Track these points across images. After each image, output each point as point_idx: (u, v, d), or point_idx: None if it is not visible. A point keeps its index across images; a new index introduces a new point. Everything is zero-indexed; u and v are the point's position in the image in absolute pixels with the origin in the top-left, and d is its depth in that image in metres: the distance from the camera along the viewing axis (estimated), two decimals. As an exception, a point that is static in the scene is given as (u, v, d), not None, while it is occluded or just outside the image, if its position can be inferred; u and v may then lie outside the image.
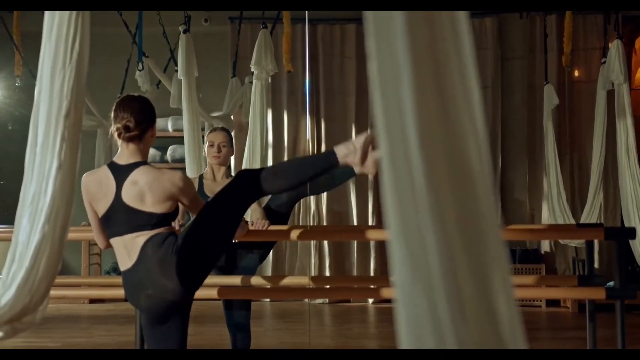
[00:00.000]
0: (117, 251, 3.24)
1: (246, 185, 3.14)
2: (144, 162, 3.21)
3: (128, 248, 3.17)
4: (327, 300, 8.91)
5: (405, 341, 1.36)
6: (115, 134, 3.20)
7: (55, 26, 2.57)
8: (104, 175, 3.20)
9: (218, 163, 4.43)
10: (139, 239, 3.14)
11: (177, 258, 3.08)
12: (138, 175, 3.14)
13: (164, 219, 3.17)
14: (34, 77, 2.74)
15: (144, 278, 3.13)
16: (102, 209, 3.21)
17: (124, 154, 3.22)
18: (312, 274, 8.77)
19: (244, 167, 6.46)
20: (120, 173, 3.17)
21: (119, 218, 3.17)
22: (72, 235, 4.07)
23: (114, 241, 3.23)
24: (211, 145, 4.41)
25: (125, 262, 3.19)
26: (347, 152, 3.09)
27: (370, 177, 9.20)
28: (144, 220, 3.14)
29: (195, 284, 3.21)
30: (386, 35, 1.41)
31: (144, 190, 3.13)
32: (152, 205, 3.13)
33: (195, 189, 3.30)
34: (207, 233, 3.15)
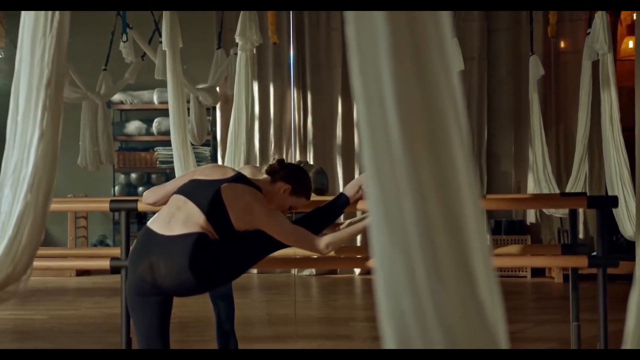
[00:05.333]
0: (165, 208, 3.32)
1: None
2: (258, 188, 3.38)
3: (177, 215, 3.21)
4: (314, 271, 8.95)
5: (383, 304, 1.38)
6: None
7: (35, -5, 2.55)
8: (230, 170, 3.43)
9: None
10: (190, 223, 3.17)
11: (204, 268, 3.15)
12: (247, 191, 3.30)
13: (227, 231, 3.25)
14: (17, 48, 2.72)
15: (161, 253, 3.14)
16: (199, 177, 3.36)
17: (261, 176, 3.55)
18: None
19: (229, 139, 6.44)
20: (241, 179, 3.36)
21: (204, 191, 3.27)
22: (58, 206, 4.08)
23: (175, 197, 3.32)
24: None
25: (162, 224, 3.22)
26: (355, 191, 3.60)
27: (357, 150, 9.21)
28: (218, 213, 3.22)
29: (201, 290, 3.29)
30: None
31: (239, 202, 3.26)
32: (233, 212, 3.24)
33: (265, 216, 3.31)
34: (232, 264, 3.27)
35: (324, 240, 3.37)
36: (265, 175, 3.54)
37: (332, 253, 3.53)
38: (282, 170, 3.50)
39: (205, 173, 3.38)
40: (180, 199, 3.29)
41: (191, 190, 3.30)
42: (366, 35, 1.39)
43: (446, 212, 1.40)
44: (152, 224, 3.26)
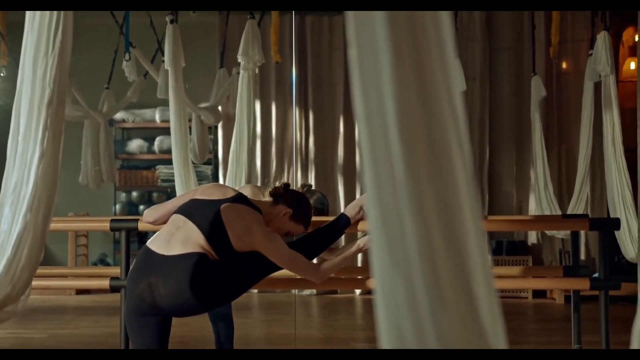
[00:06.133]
0: (165, 227, 3.30)
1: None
2: (257, 209, 3.37)
3: (176, 235, 3.19)
4: (314, 291, 8.91)
5: (383, 326, 1.37)
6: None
7: (38, 14, 2.55)
8: (231, 190, 3.42)
9: None
10: (190, 243, 3.16)
11: (204, 288, 3.14)
12: (248, 212, 3.29)
13: (226, 251, 3.23)
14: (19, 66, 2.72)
15: (161, 273, 3.13)
16: (200, 197, 3.35)
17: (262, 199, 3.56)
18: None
19: (231, 158, 6.43)
20: (241, 200, 3.35)
21: (203, 211, 3.25)
22: (58, 225, 4.06)
23: (175, 217, 3.31)
24: None
25: (161, 244, 3.21)
26: (356, 211, 3.53)
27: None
28: (218, 233, 3.20)
29: (201, 310, 3.29)
30: (367, 22, 1.40)
31: (238, 222, 3.25)
32: (232, 232, 3.23)
33: (269, 243, 3.30)
34: (232, 285, 3.26)
35: (320, 268, 3.37)
36: (268, 197, 3.53)
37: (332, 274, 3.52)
38: (286, 195, 3.50)
39: (206, 193, 3.37)
40: (180, 218, 3.28)
41: (191, 210, 3.29)
42: (368, 55, 1.38)
43: (447, 233, 1.39)
44: (152, 243, 3.25)
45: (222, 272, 3.20)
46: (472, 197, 1.42)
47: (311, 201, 3.70)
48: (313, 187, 4.69)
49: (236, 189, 3.57)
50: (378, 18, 1.37)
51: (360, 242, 3.54)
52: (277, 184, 3.54)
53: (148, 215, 3.56)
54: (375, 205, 1.39)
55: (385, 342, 1.38)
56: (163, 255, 3.16)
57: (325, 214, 4.33)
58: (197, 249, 3.16)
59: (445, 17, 1.43)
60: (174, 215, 3.33)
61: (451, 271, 1.37)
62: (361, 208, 3.57)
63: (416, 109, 1.39)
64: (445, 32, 1.43)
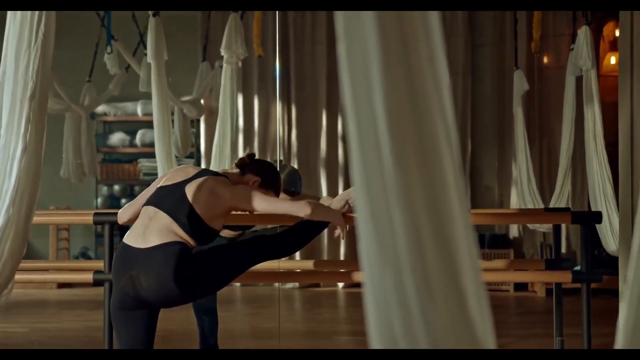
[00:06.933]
0: (138, 221, 3.29)
1: (261, 249, 3.40)
2: (225, 176, 3.36)
3: (150, 226, 3.17)
4: (297, 284, 8.92)
5: (373, 322, 1.37)
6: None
7: (21, 6, 2.54)
8: (192, 168, 3.41)
9: None
10: (165, 232, 3.14)
11: (185, 281, 3.13)
12: (210, 179, 3.28)
13: (200, 231, 3.21)
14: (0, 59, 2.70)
15: (141, 266, 3.12)
16: (165, 184, 3.33)
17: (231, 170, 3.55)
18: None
19: (214, 151, 6.43)
20: (207, 173, 3.34)
21: (170, 197, 3.24)
22: (40, 219, 4.05)
23: (145, 208, 3.28)
24: None
25: (137, 238, 3.19)
26: (342, 205, 3.50)
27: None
28: (187, 214, 3.18)
29: (184, 301, 3.30)
30: (356, 19, 1.40)
31: (203, 191, 3.23)
32: (200, 206, 3.20)
33: (244, 194, 3.30)
34: (214, 275, 3.25)
35: (303, 201, 3.34)
36: (235, 170, 3.52)
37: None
38: (252, 164, 3.49)
39: (171, 178, 3.35)
40: (150, 209, 3.26)
41: (159, 199, 3.28)
42: (357, 51, 1.38)
43: (436, 228, 1.39)
44: (127, 238, 3.23)
45: (203, 262, 3.19)
46: (460, 192, 1.43)
47: (282, 176, 3.72)
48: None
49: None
50: (367, 15, 1.37)
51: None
52: (243, 156, 3.54)
53: (122, 215, 3.52)
54: (364, 200, 1.39)
55: (375, 336, 1.38)
56: (140, 248, 3.15)
57: (296, 195, 4.33)
58: (174, 238, 3.15)
59: (434, 15, 1.44)
60: (144, 207, 3.31)
61: (441, 268, 1.37)
62: (347, 202, 3.57)
63: (405, 105, 1.39)
64: (433, 29, 1.44)
